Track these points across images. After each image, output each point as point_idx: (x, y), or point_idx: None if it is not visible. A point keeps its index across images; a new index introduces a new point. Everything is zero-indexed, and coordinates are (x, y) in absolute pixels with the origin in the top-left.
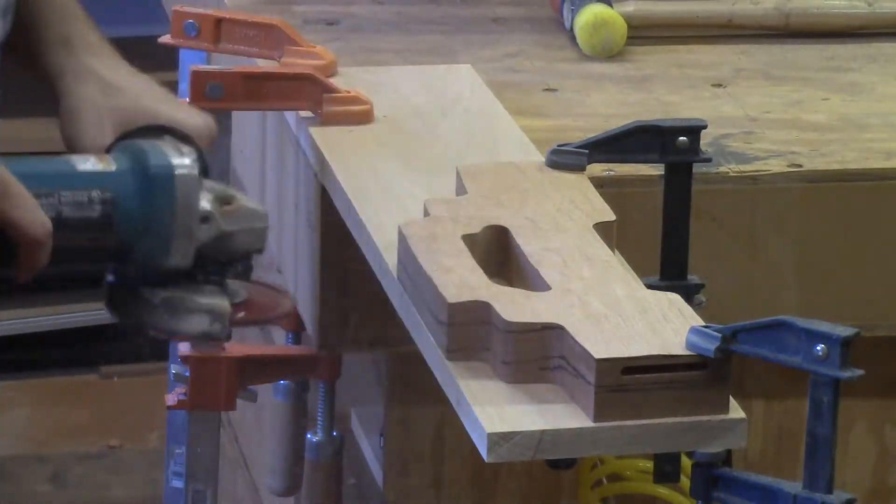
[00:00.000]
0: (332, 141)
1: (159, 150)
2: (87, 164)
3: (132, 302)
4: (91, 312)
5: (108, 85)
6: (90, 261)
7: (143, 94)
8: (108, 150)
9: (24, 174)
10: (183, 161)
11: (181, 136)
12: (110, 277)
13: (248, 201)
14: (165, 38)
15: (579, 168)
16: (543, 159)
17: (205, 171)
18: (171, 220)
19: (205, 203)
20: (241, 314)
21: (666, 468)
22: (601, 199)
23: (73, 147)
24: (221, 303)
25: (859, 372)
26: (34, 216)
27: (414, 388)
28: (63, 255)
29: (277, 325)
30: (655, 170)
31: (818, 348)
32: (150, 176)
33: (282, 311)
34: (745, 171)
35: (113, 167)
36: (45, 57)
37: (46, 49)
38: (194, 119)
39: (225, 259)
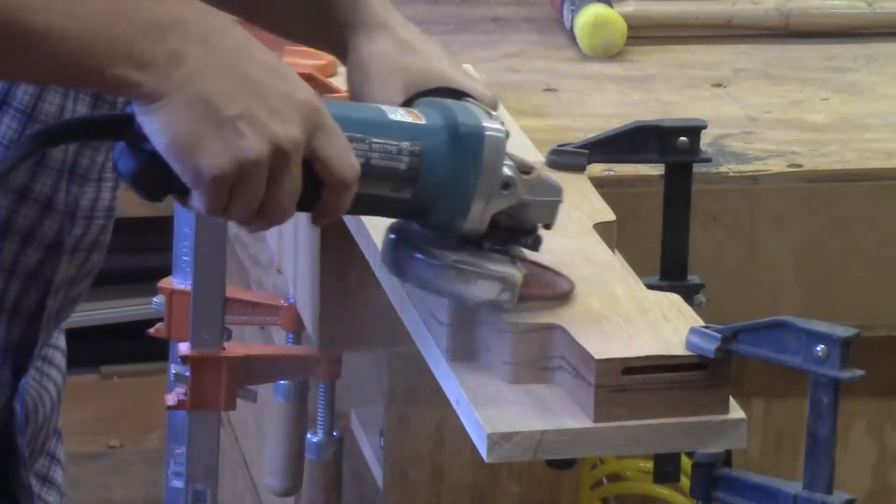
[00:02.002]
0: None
1: (470, 111)
2: (398, 114)
3: (418, 262)
4: (91, 312)
5: (402, 42)
6: (389, 212)
7: (436, 57)
8: (418, 105)
9: (339, 116)
10: (493, 124)
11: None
12: (393, 235)
13: (546, 173)
14: None
15: (579, 168)
16: (543, 159)
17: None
18: (475, 182)
19: (507, 170)
20: (531, 290)
21: (666, 468)
22: (601, 199)
23: (359, 101)
24: (513, 272)
25: (859, 372)
26: (346, 157)
27: (414, 388)
28: (364, 202)
29: (559, 301)
30: (655, 170)
31: (818, 348)
32: (460, 134)
33: (562, 290)
34: (745, 171)
35: (423, 121)
36: (334, 9)
37: (331, 5)
38: (483, 89)
39: (517, 229)
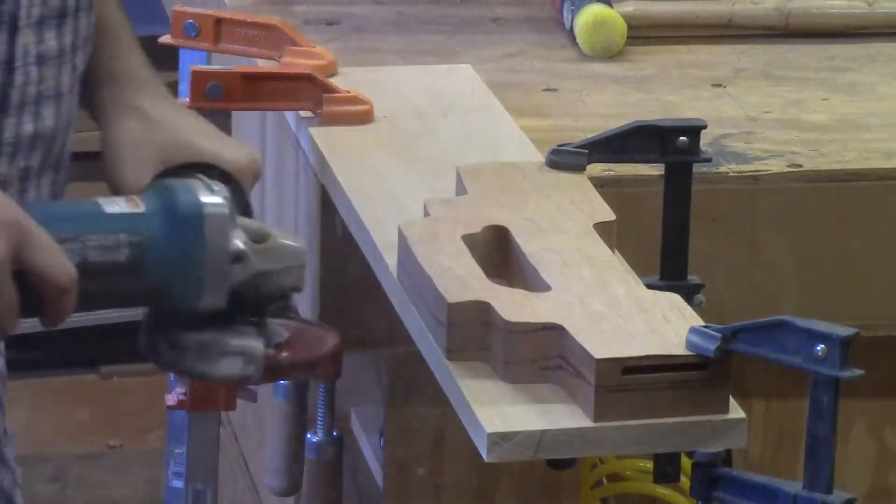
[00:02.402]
0: (332, 141)
1: (189, 189)
2: (115, 206)
3: (166, 345)
4: (91, 312)
5: (149, 120)
6: (121, 304)
7: (185, 129)
8: (146, 189)
9: (48, 218)
10: (213, 199)
11: (222, 173)
12: (145, 320)
13: (284, 238)
14: (165, 38)
15: (579, 168)
16: (543, 159)
17: (245, 208)
18: (202, 262)
19: (237, 242)
20: (285, 354)
21: (666, 468)
22: (601, 199)
23: (113, 185)
24: (255, 344)
25: (859, 372)
26: (57, 262)
27: (414, 388)
28: (91, 299)
29: (318, 370)
30: (655, 170)
31: (818, 348)
32: (178, 216)
33: (327, 349)
34: (745, 171)
35: (142, 208)
36: (93, 92)
37: (94, 84)
38: (238, 154)
39: (262, 298)
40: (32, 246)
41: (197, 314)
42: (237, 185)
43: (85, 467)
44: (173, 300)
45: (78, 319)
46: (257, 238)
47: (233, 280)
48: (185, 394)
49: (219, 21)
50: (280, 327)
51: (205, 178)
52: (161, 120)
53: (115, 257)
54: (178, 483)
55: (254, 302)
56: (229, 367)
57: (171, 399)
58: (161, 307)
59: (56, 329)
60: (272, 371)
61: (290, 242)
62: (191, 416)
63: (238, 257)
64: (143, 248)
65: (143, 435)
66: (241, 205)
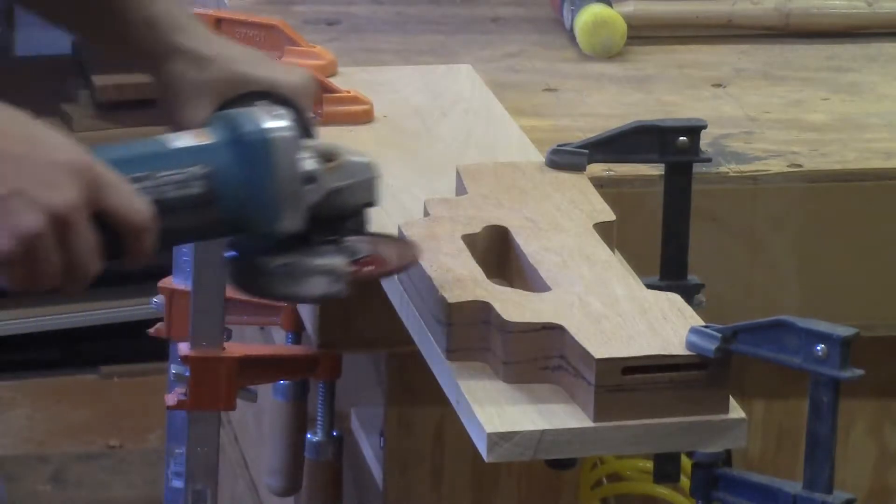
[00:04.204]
0: (332, 141)
1: (252, 117)
2: (182, 140)
3: (253, 273)
4: (91, 312)
5: (198, 58)
6: (201, 237)
7: (236, 61)
8: (209, 122)
9: (117, 160)
10: (277, 124)
11: (280, 99)
12: (230, 252)
13: (352, 155)
14: None
15: (579, 168)
16: (543, 159)
17: (307, 130)
18: (275, 186)
19: (307, 163)
20: (370, 268)
21: (666, 468)
22: (601, 199)
23: (176, 129)
24: (339, 262)
25: (859, 372)
26: (132, 203)
27: (414, 388)
28: (172, 235)
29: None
30: (655, 170)
31: (818, 348)
32: (244, 143)
33: (407, 261)
34: (745, 171)
35: (207, 140)
36: (133, 41)
37: (133, 32)
38: (292, 78)
39: (338, 216)
40: (107, 188)
41: (277, 238)
42: (296, 108)
43: (85, 467)
44: (251, 227)
45: (78, 319)
46: (326, 157)
47: (307, 201)
48: (185, 394)
49: (219, 21)
50: (360, 243)
51: (268, 104)
52: (211, 56)
53: (189, 191)
54: (178, 483)
55: (330, 220)
56: (317, 286)
57: (171, 399)
58: (240, 235)
59: (59, 328)
60: (358, 286)
61: (359, 158)
62: (191, 416)
63: (309, 178)
64: (214, 180)
65: (143, 435)
66: (304, 126)
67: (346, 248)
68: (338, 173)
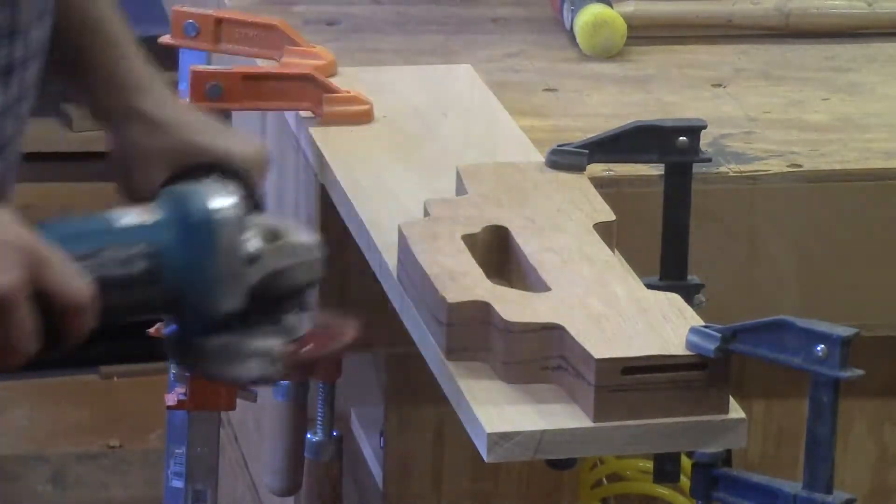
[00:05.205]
0: (332, 141)
1: (198, 196)
2: (128, 217)
3: (190, 351)
4: None
5: (153, 124)
6: (140, 315)
7: (191, 130)
8: (158, 195)
9: (61, 236)
10: (223, 203)
11: (232, 171)
12: (169, 328)
13: (297, 234)
14: (165, 38)
15: (579, 168)
16: (543, 159)
17: (257, 203)
18: (216, 267)
19: (251, 243)
20: (309, 347)
21: (666, 468)
22: (601, 199)
23: (124, 191)
24: (276, 344)
25: (859, 372)
26: (72, 281)
27: (414, 388)
28: (111, 313)
29: (343, 355)
30: (655, 170)
31: (818, 348)
32: (189, 224)
33: (348, 338)
34: (745, 171)
35: (154, 218)
36: (93, 98)
37: (93, 90)
38: (246, 149)
39: (280, 296)
40: (47, 268)
41: (216, 318)
42: (248, 180)
43: (84, 467)
44: (191, 307)
45: None
46: (271, 235)
47: (248, 281)
48: (185, 394)
49: (219, 21)
50: (300, 322)
51: (216, 179)
52: (166, 123)
53: (131, 270)
54: (178, 483)
55: (271, 300)
56: (252, 369)
57: (171, 399)
58: (180, 314)
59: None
60: (296, 367)
61: (304, 238)
62: (191, 416)
63: (252, 258)
64: (158, 259)
65: (143, 435)
66: (253, 199)
67: (284, 328)
68: (281, 253)
